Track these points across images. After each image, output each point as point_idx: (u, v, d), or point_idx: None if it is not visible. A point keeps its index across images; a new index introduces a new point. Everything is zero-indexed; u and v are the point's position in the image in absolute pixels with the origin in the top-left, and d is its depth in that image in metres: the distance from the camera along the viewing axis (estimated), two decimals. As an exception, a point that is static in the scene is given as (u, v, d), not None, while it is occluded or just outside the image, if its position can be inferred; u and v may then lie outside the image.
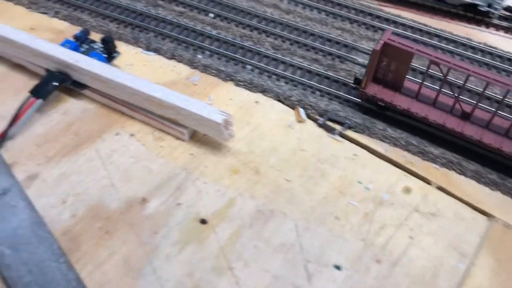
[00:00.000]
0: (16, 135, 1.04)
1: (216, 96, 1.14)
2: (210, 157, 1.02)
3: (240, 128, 1.07)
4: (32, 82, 1.14)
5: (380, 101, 1.08)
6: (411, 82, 1.10)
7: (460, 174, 1.02)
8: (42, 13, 1.34)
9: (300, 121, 1.10)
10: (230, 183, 0.98)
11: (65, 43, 1.15)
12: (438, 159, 1.03)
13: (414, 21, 1.34)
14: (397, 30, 1.30)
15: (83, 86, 1.09)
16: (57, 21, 1.32)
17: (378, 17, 1.34)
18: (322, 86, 1.14)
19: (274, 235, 0.90)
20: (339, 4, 1.38)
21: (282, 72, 1.17)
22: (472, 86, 1.16)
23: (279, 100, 1.14)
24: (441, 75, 1.04)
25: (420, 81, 1.07)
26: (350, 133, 1.08)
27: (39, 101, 1.04)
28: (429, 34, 1.30)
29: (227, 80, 1.18)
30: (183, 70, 1.20)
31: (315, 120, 1.10)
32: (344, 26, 1.32)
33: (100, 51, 1.16)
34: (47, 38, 1.23)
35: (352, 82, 1.14)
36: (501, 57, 1.25)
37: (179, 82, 1.17)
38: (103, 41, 1.13)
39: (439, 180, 1.01)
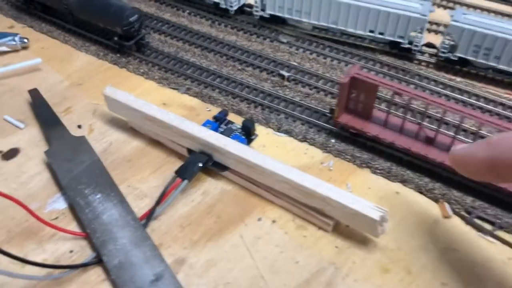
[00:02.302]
0: (160, 215, 1.04)
1: (353, 184, 1.12)
2: (357, 252, 0.98)
3: (384, 221, 1.04)
4: (170, 159, 1.17)
5: (351, 128, 1.17)
6: (380, 111, 1.20)
7: None
8: (172, 88, 1.38)
9: (446, 217, 1.05)
10: (382, 283, 0.93)
11: (206, 124, 1.17)
12: None
13: (547, 114, 1.29)
14: (533, 122, 1.26)
15: (224, 167, 1.09)
16: (188, 98, 1.35)
17: (510, 107, 1.31)
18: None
19: None
20: (467, 92, 1.35)
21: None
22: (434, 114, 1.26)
23: (420, 192, 1.10)
24: (405, 104, 1.14)
25: (387, 110, 1.16)
26: (501, 233, 1.03)
27: (185, 182, 1.04)
28: None
29: (363, 167, 1.16)
30: (316, 154, 1.20)
31: (461, 217, 1.05)
32: (476, 116, 1.28)
33: (239, 132, 1.17)
34: (179, 114, 1.26)
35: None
36: None
37: (314, 167, 1.16)
38: (244, 125, 1.15)
39: None
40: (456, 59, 1.41)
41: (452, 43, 1.39)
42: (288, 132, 1.23)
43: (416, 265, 0.96)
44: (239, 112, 1.28)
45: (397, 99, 1.20)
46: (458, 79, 1.42)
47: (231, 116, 1.27)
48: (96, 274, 0.93)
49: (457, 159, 0.86)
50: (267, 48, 1.52)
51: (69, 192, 1.05)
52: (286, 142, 1.23)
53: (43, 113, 1.25)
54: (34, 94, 1.30)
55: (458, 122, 1.07)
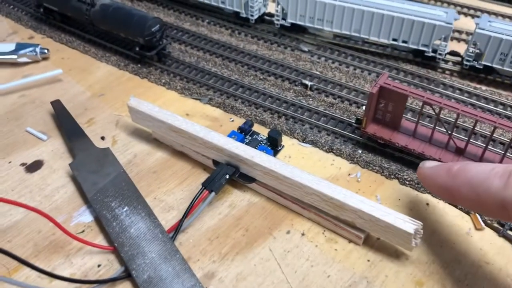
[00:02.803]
0: (187, 228, 1.03)
1: (382, 196, 1.10)
2: (389, 265, 0.96)
3: (415, 233, 1.01)
4: (195, 171, 1.16)
5: (379, 139, 1.15)
6: (408, 121, 1.20)
7: None
8: (195, 99, 1.37)
9: (478, 229, 1.03)
10: (417, 298, 0.91)
11: (232, 135, 1.16)
12: None
13: None
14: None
15: (251, 179, 1.08)
16: (211, 108, 1.34)
17: (538, 116, 1.29)
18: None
19: None
20: (493, 101, 1.33)
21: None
22: (462, 123, 1.26)
23: (451, 204, 1.08)
24: (435, 114, 1.11)
25: (416, 120, 1.14)
26: (536, 246, 1.00)
27: (212, 194, 1.03)
28: None
29: (391, 178, 1.14)
30: (343, 165, 1.18)
31: (494, 229, 1.03)
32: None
33: (264, 143, 1.16)
34: (203, 124, 1.25)
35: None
36: None
37: (341, 178, 1.14)
38: (270, 136, 1.13)
39: None
40: (481, 67, 1.39)
41: (477, 51, 1.37)
42: (314, 143, 1.22)
43: (450, 278, 0.94)
44: (262, 123, 1.27)
45: (426, 109, 1.18)
46: (484, 87, 1.40)
47: (256, 127, 1.25)
48: (124, 289, 0.92)
49: (421, 177, 0.95)
50: (288, 57, 1.51)
51: (95, 205, 1.04)
52: (312, 153, 1.21)
53: (66, 124, 1.24)
54: (57, 105, 1.29)
55: (489, 133, 1.05)
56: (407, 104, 1.27)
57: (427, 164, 0.94)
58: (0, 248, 0.78)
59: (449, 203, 1.08)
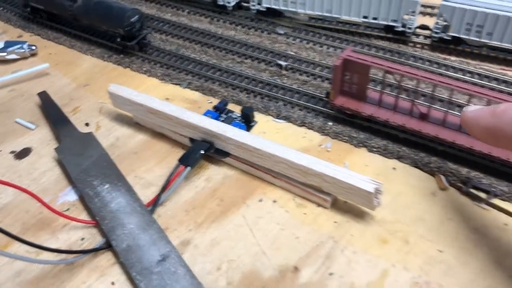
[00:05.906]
0: (165, 201, 1.09)
1: (351, 163, 1.15)
2: (355, 225, 1.02)
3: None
4: (174, 150, 1.22)
5: (347, 110, 1.20)
6: (374, 92, 1.23)
7: None
8: (175, 84, 1.43)
9: (443, 188, 1.08)
10: (381, 253, 0.96)
11: (207, 114, 1.21)
12: None
13: (543, 85, 1.31)
14: (528, 94, 1.28)
15: (225, 154, 1.13)
16: (190, 92, 1.40)
17: (504, 81, 1.33)
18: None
19: (437, 310, 0.87)
20: (461, 70, 1.38)
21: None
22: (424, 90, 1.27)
23: (417, 167, 1.13)
24: (397, 82, 1.16)
25: (380, 89, 1.19)
26: (496, 201, 1.05)
27: (188, 168, 1.09)
28: None
29: (359, 147, 1.19)
30: (314, 137, 1.23)
31: (458, 188, 1.08)
32: (471, 92, 1.31)
33: (239, 120, 1.21)
34: (183, 107, 1.31)
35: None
36: None
37: (312, 149, 1.20)
38: (243, 112, 1.19)
39: None
40: (449, 38, 1.44)
41: (444, 23, 1.42)
42: (287, 118, 1.27)
43: (414, 235, 0.99)
44: (239, 102, 1.33)
45: (389, 78, 1.22)
46: (453, 58, 1.45)
47: (233, 107, 1.31)
48: (106, 258, 0.98)
49: (464, 121, 0.89)
50: (265, 40, 1.57)
51: (78, 185, 1.10)
52: (285, 128, 1.27)
53: (52, 113, 1.31)
54: (43, 96, 1.36)
55: (448, 97, 1.10)
56: (375, 77, 1.32)
57: (470, 108, 0.89)
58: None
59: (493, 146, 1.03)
